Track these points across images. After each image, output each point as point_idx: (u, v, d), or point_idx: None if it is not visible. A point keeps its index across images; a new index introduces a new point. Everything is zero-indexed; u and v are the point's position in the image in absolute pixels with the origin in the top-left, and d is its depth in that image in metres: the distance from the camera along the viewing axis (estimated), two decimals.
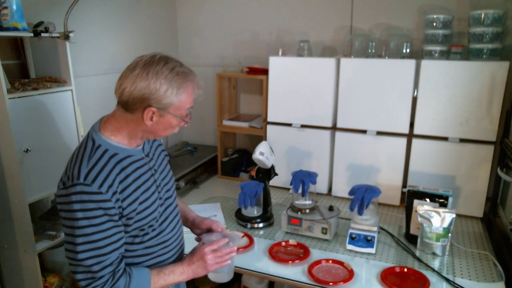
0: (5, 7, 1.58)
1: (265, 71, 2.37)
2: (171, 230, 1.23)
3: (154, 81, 1.01)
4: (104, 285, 1.04)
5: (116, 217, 1.05)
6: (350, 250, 1.71)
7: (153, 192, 1.15)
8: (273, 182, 2.15)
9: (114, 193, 1.03)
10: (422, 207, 1.67)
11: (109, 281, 1.05)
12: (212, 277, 1.32)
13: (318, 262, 1.60)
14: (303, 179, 1.80)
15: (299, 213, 1.81)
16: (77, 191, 1.00)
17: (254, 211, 1.95)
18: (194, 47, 2.92)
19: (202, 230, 1.36)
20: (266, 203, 1.99)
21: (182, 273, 1.18)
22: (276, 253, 1.68)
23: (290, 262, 1.62)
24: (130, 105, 1.05)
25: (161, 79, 1.02)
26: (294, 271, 1.57)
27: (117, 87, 1.05)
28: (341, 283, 1.47)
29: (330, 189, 2.34)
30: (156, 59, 1.05)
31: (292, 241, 1.75)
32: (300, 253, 1.69)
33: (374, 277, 1.52)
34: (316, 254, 1.69)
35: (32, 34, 1.67)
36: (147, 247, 1.16)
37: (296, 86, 2.24)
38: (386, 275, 1.51)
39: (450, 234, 1.63)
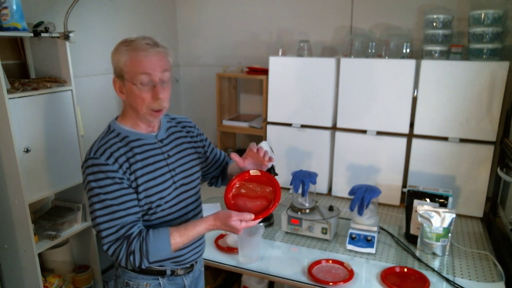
0: (5, 7, 1.58)
1: (265, 71, 2.37)
2: (182, 215, 1.28)
3: (111, 55, 1.17)
4: (122, 248, 1.12)
5: (125, 185, 1.14)
6: (350, 250, 1.71)
7: (163, 174, 1.22)
8: None
9: (121, 166, 1.14)
10: (422, 207, 1.67)
11: (125, 244, 1.12)
12: (243, 260, 1.62)
13: (318, 262, 1.60)
14: (303, 179, 1.80)
15: (299, 213, 1.81)
16: (88, 165, 1.13)
17: None
18: (194, 47, 2.92)
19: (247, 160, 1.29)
20: None
21: (204, 222, 1.19)
22: (236, 198, 1.23)
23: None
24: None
25: (113, 51, 1.16)
26: (294, 271, 1.57)
27: None
28: (341, 283, 1.47)
29: (330, 189, 2.34)
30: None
31: (254, 172, 1.26)
32: (268, 194, 1.23)
33: (374, 277, 1.52)
34: (316, 254, 1.69)
35: (32, 34, 1.67)
36: (153, 225, 1.22)
37: (296, 86, 2.24)
38: (386, 275, 1.51)
39: (450, 234, 1.63)
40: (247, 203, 1.22)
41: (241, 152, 1.24)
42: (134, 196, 1.16)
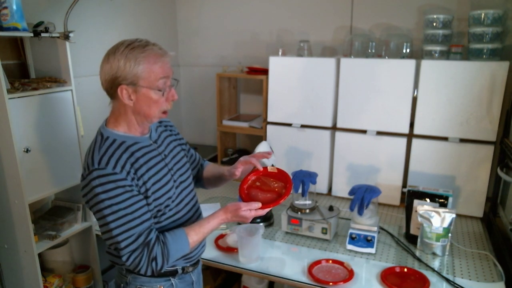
0: (5, 7, 1.58)
1: (265, 71, 2.37)
2: (187, 212, 1.31)
3: (112, 60, 1.10)
4: (142, 256, 1.12)
5: (136, 192, 1.13)
6: (350, 250, 1.71)
7: (165, 174, 1.23)
8: None
9: (128, 172, 1.12)
10: (422, 207, 1.67)
11: (146, 251, 1.12)
12: (243, 260, 1.62)
13: (318, 262, 1.60)
14: (303, 179, 1.80)
15: (299, 213, 1.81)
16: (94, 177, 1.09)
17: None
18: (194, 47, 2.92)
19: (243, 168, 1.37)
20: None
21: (216, 217, 1.24)
22: (249, 189, 1.34)
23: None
24: (109, 92, 1.15)
25: (118, 56, 1.10)
26: (294, 271, 1.57)
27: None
28: (341, 283, 1.47)
29: (330, 189, 2.34)
30: (118, 44, 1.13)
31: (271, 168, 1.37)
32: (280, 188, 1.33)
33: (374, 277, 1.52)
34: (316, 254, 1.69)
35: (32, 34, 1.67)
36: (163, 226, 1.23)
37: (296, 86, 2.24)
38: (386, 275, 1.51)
39: (450, 234, 1.63)
40: (258, 194, 1.32)
41: (241, 152, 1.25)
42: (145, 201, 1.15)
